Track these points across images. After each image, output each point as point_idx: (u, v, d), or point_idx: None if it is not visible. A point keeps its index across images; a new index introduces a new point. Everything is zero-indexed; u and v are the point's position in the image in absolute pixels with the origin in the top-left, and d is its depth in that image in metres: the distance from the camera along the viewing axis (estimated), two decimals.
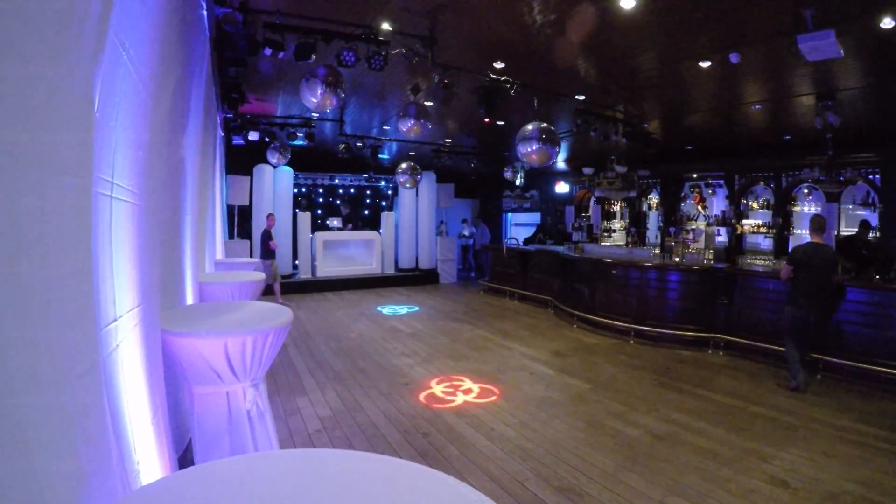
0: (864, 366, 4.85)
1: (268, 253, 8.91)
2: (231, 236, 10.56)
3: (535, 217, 15.36)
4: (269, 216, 9.40)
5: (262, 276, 4.13)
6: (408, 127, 5.74)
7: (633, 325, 6.67)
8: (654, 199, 11.47)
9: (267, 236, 9.00)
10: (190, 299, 3.42)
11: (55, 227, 0.91)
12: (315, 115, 8.13)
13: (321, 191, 13.37)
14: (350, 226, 12.47)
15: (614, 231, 12.23)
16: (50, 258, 0.88)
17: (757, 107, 6.75)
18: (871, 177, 7.81)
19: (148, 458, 1.48)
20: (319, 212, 13.03)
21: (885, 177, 7.64)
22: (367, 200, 14.00)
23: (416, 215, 12.86)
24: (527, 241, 12.50)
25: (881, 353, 4.77)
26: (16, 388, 0.76)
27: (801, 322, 4.70)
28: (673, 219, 10.62)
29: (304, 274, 11.49)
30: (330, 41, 4.41)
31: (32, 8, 0.80)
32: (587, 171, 11.67)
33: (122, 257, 1.38)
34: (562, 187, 14.12)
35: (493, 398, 4.51)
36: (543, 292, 9.26)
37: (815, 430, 3.83)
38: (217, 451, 2.17)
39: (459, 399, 4.51)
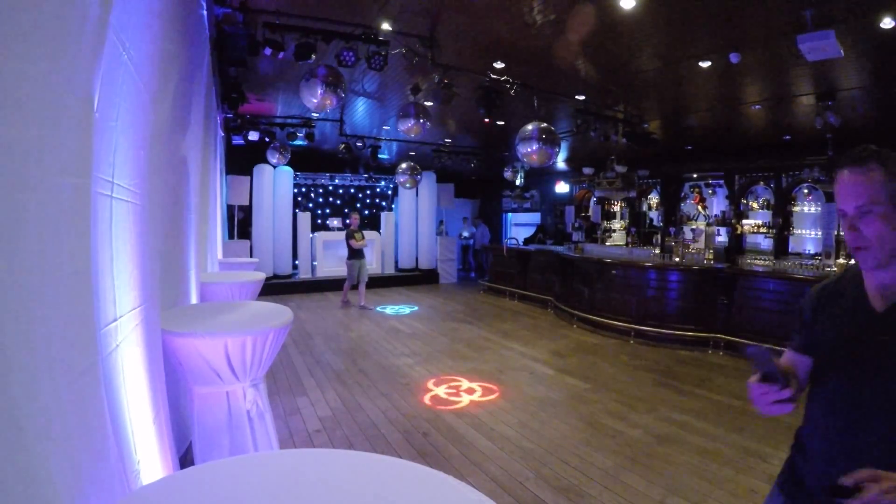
0: None
1: (353, 253, 8.92)
2: (231, 236, 10.55)
3: (535, 217, 15.34)
4: (352, 215, 9.24)
5: (262, 276, 4.13)
6: (408, 127, 5.74)
7: (633, 325, 6.66)
8: (654, 199, 11.47)
9: (349, 236, 8.94)
10: (194, 299, 3.43)
11: (54, 226, 0.91)
12: (315, 115, 8.13)
13: (321, 191, 13.37)
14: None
15: (614, 231, 12.22)
16: (49, 258, 0.88)
17: (757, 107, 6.75)
18: None
19: (150, 458, 1.48)
20: (319, 212, 13.04)
21: None
22: (367, 200, 14.00)
23: (416, 215, 12.86)
24: (527, 241, 12.48)
25: None
26: (14, 387, 0.76)
27: None
28: (673, 219, 10.61)
29: (304, 274, 11.49)
30: (330, 41, 4.41)
31: (32, 7, 0.80)
32: (587, 171, 11.65)
33: (122, 257, 1.38)
34: (562, 187, 14.11)
35: (494, 398, 4.51)
36: (543, 292, 9.26)
37: None
38: (217, 451, 2.17)
39: (459, 399, 4.50)
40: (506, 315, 8.54)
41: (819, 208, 8.54)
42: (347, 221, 9.11)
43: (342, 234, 12.02)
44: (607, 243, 11.20)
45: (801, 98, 6.23)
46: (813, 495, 1.16)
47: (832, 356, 1.15)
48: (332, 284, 11.34)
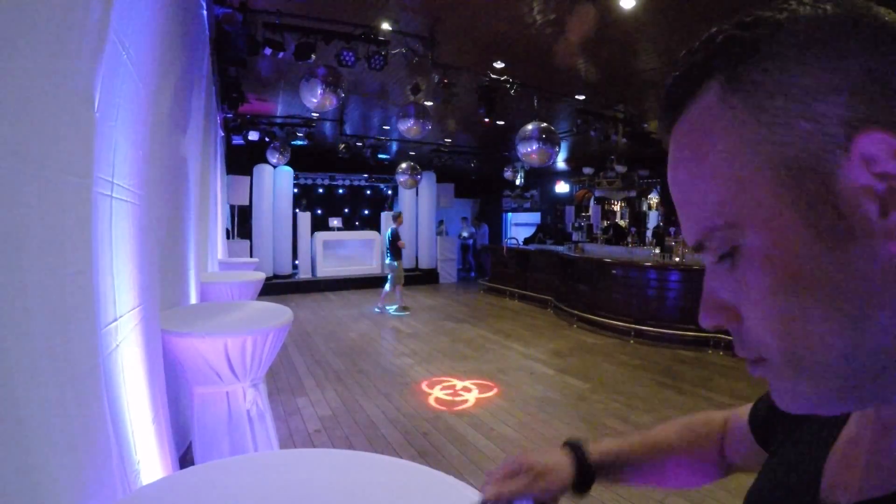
0: None
1: (396, 254, 8.51)
2: (230, 236, 10.56)
3: (535, 217, 15.35)
4: (398, 215, 8.72)
5: (262, 275, 4.13)
6: (408, 127, 5.74)
7: (633, 325, 6.66)
8: (654, 199, 11.47)
9: (395, 236, 8.49)
10: (193, 299, 3.43)
11: (55, 226, 0.91)
12: (315, 115, 8.13)
13: (321, 191, 13.38)
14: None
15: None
16: (49, 258, 0.88)
17: None
18: None
19: (149, 458, 1.48)
20: (319, 212, 13.05)
21: None
22: (367, 200, 14.01)
23: (416, 215, 12.86)
24: (527, 240, 12.49)
25: None
26: (15, 388, 0.76)
27: None
28: (673, 219, 10.60)
29: (304, 274, 11.49)
30: (330, 41, 4.41)
31: (32, 7, 0.80)
32: (587, 171, 11.66)
33: (122, 257, 1.38)
34: (562, 187, 14.12)
35: (493, 398, 4.51)
36: (543, 292, 9.26)
37: None
38: (217, 451, 2.17)
39: (459, 399, 4.50)
40: (506, 315, 8.54)
41: None
42: (394, 227, 8.50)
43: (342, 234, 12.07)
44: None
45: None
46: None
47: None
48: (333, 284, 11.34)
